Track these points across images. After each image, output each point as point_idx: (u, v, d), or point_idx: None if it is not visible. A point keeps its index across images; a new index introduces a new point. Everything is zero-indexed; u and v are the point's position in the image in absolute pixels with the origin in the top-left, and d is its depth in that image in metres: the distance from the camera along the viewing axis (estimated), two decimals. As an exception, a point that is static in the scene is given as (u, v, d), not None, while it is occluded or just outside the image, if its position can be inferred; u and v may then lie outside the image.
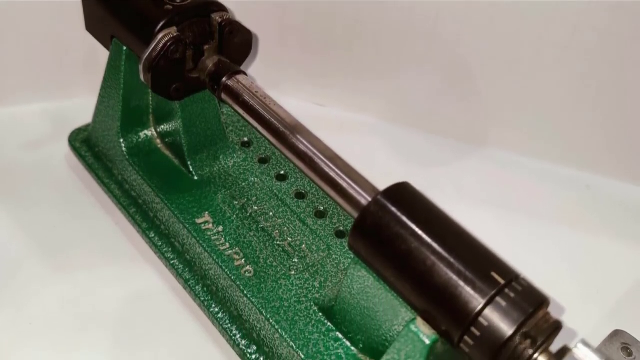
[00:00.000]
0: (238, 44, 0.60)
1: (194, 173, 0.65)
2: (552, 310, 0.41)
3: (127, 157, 0.66)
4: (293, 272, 0.57)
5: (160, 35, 0.56)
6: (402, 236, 0.43)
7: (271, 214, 0.62)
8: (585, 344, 0.38)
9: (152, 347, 0.57)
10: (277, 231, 0.60)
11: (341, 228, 0.61)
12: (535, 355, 0.39)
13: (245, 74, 0.58)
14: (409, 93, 0.82)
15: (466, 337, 0.40)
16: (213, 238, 0.59)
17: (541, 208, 0.75)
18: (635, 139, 0.76)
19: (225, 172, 0.66)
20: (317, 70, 0.84)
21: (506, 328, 0.39)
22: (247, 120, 0.56)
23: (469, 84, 0.78)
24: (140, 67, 0.57)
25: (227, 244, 0.59)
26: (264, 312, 0.54)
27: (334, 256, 0.59)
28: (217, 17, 0.58)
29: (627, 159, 0.78)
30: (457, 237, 0.43)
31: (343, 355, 0.51)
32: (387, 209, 0.45)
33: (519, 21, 0.72)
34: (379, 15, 0.76)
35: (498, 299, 0.40)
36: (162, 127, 0.67)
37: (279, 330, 0.52)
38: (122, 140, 0.66)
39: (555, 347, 0.40)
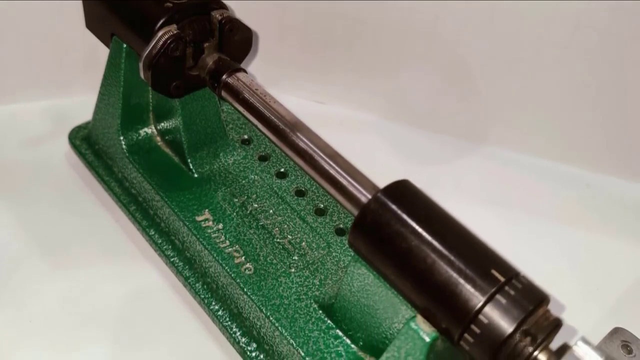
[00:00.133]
0: (238, 41, 0.60)
1: (194, 171, 0.65)
2: (552, 307, 0.41)
3: (127, 154, 0.66)
4: (293, 270, 0.57)
5: (160, 33, 0.56)
6: (402, 234, 0.43)
7: (271, 211, 0.62)
8: (585, 341, 0.38)
9: (152, 344, 0.57)
10: (277, 229, 0.60)
11: (341, 226, 0.61)
12: (535, 353, 0.39)
13: (245, 71, 0.58)
14: (409, 91, 0.82)
15: (466, 335, 0.40)
16: (213, 236, 0.59)
17: (541, 206, 0.75)
18: (635, 137, 0.76)
19: (225, 169, 0.66)
20: (317, 68, 0.84)
21: (506, 326, 0.39)
22: (247, 118, 0.56)
23: (469, 82, 0.78)
24: (140, 65, 0.57)
25: (227, 241, 0.59)
26: (264, 310, 0.54)
27: (334, 254, 0.59)
28: (217, 14, 0.58)
29: (627, 158, 0.78)
30: (457, 235, 0.43)
31: (343, 353, 0.51)
32: (387, 206, 0.45)
33: (519, 20, 0.72)
34: (379, 13, 0.76)
35: (498, 296, 0.40)
36: (162, 124, 0.67)
37: (279, 328, 0.52)
38: (122, 138, 0.66)
39: (555, 344, 0.40)
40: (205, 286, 0.60)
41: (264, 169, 0.66)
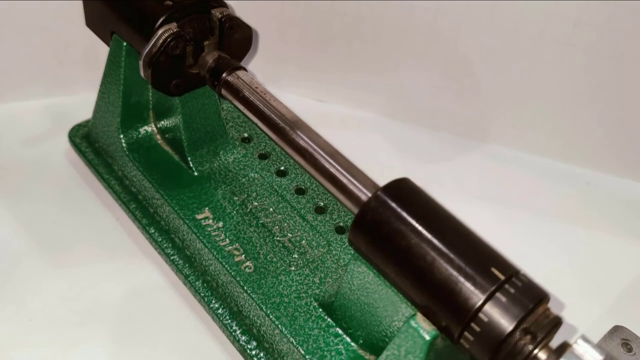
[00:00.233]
0: (238, 39, 0.60)
1: (194, 169, 0.65)
2: (552, 306, 0.41)
3: (127, 152, 0.66)
4: (293, 268, 0.57)
5: (160, 31, 0.55)
6: (402, 232, 0.43)
7: (271, 209, 0.62)
8: (585, 339, 0.38)
9: (151, 342, 0.57)
10: (277, 227, 0.60)
11: (341, 224, 0.61)
12: (535, 351, 0.39)
13: (245, 69, 0.58)
14: (409, 89, 0.82)
15: (466, 333, 0.40)
16: (213, 234, 0.59)
17: (541, 204, 0.75)
18: (636, 135, 0.76)
19: (225, 167, 0.66)
20: (317, 66, 0.84)
21: (506, 324, 0.39)
22: (247, 116, 0.56)
23: (469, 79, 0.78)
24: (141, 63, 0.57)
25: (227, 239, 0.59)
26: (264, 308, 0.54)
27: (334, 252, 0.59)
28: (217, 12, 0.58)
29: (627, 155, 0.78)
30: (457, 233, 0.43)
31: (343, 351, 0.51)
32: (387, 204, 0.45)
33: (519, 17, 0.72)
34: (379, 10, 0.76)
35: (498, 294, 0.40)
36: (162, 122, 0.67)
37: (279, 326, 0.53)
38: (122, 136, 0.66)
39: (555, 342, 0.40)
40: (205, 284, 0.60)
41: (264, 167, 0.66)
